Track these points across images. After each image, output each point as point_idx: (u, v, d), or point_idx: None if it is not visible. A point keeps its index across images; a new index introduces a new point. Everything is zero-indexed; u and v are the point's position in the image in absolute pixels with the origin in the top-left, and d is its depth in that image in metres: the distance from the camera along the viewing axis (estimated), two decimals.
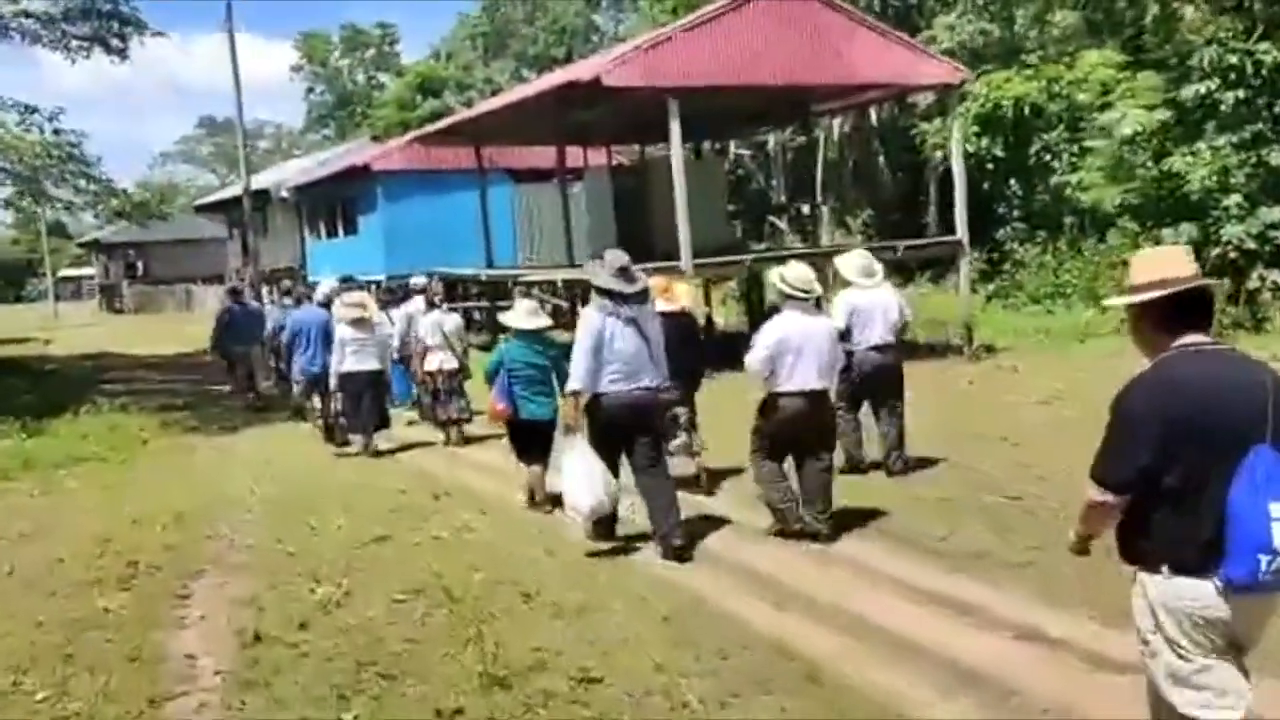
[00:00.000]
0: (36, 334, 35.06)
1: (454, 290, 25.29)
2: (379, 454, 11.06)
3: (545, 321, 8.30)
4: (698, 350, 8.52)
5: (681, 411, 8.05)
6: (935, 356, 17.13)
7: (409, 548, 7.20)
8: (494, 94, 33.70)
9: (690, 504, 7.39)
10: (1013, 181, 25.23)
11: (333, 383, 11.08)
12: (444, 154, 26.09)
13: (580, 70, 16.98)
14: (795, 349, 6.47)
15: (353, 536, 7.52)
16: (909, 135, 28.29)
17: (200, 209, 46.32)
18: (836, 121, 27.21)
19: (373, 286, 26.56)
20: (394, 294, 15.72)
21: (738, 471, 8.20)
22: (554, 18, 54.52)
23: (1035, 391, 12.53)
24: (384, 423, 11.43)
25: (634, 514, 7.05)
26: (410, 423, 12.73)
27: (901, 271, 22.40)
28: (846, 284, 8.45)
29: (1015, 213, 25.28)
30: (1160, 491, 2.96)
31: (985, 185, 25.98)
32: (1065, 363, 15.20)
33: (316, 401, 12.33)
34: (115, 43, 21.64)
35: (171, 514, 8.59)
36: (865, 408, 8.60)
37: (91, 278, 65.32)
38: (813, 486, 6.75)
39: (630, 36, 29.11)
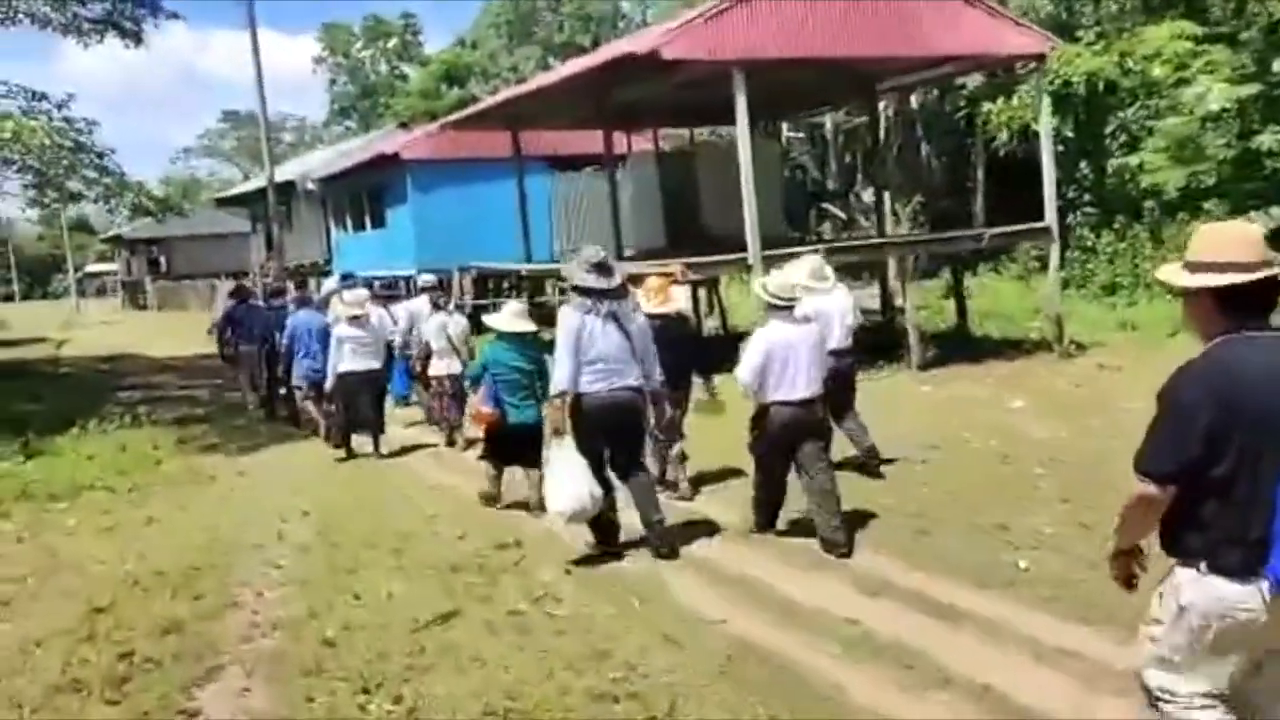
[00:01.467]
0: (54, 333, 33.60)
1: (486, 285, 23.69)
2: (383, 456, 10.77)
3: (530, 325, 8.02)
4: (692, 353, 8.22)
5: (675, 414, 7.82)
6: (1022, 354, 15.34)
7: (481, 631, 5.50)
8: (519, 82, 31.88)
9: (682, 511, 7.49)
10: (1083, 164, 23.42)
11: (329, 382, 10.72)
12: (477, 141, 24.38)
13: (634, 43, 15.24)
14: (783, 359, 6.39)
15: (408, 610, 5.83)
16: (953, 119, 26.57)
17: (222, 202, 44.81)
18: (882, 105, 25.33)
19: (373, 284, 25.07)
20: (392, 290, 15.63)
21: (727, 475, 8.27)
22: (580, 4, 52.78)
23: (1151, 395, 10.72)
24: (381, 424, 11.10)
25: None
26: (411, 424, 12.45)
27: (953, 261, 20.89)
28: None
29: (1086, 196, 23.43)
30: (1208, 483, 2.82)
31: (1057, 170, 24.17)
32: (1168, 360, 13.36)
33: (310, 406, 11.91)
34: (129, 25, 19.99)
35: (182, 569, 6.95)
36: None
37: (115, 274, 64.04)
38: (820, 495, 6.57)
39: (657, 23, 27.37)
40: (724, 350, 9.42)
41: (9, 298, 79.77)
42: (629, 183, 20.85)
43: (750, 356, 6.48)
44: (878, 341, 18.04)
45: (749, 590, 5.97)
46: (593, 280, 6.40)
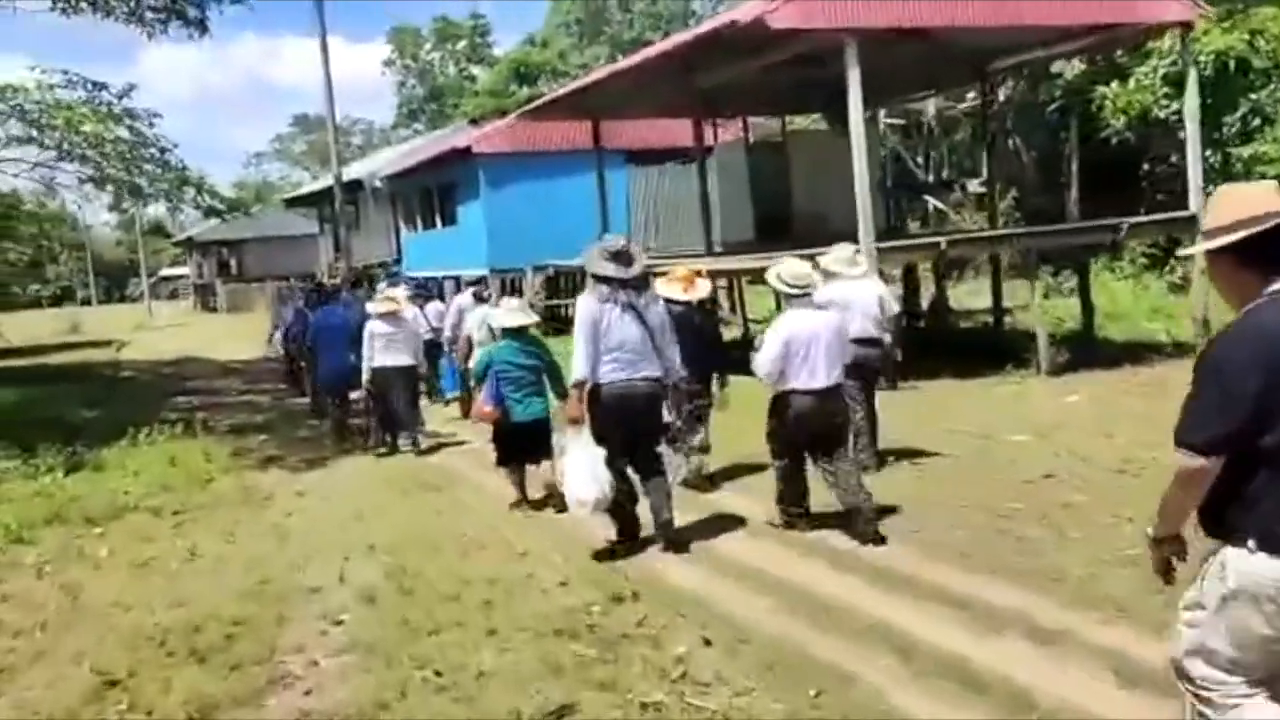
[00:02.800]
0: (125, 336, 32.96)
1: (558, 285, 22.35)
2: (421, 453, 10.68)
3: (530, 318, 8.07)
4: (712, 344, 8.13)
5: (699, 405, 7.72)
6: (1158, 357, 13.41)
7: None
8: None
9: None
10: (1208, 152, 21.35)
11: (365, 377, 10.54)
12: (551, 133, 23.09)
13: (737, 13, 13.69)
14: (803, 347, 6.31)
15: (506, 696, 4.36)
16: (1044, 111, 24.66)
17: (290, 203, 44.10)
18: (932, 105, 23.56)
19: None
20: (426, 289, 15.12)
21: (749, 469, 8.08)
22: (650, 1, 51.50)
23: None
24: (418, 419, 11.08)
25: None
26: (452, 419, 12.33)
27: (1048, 261, 19.16)
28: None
29: (1211, 187, 21.34)
30: (1256, 454, 2.60)
31: (1172, 157, 22.14)
32: None
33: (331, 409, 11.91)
34: (193, 13, 18.91)
35: (223, 623, 5.56)
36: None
37: (188, 277, 64.05)
38: (847, 484, 6.46)
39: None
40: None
41: (86, 301, 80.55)
42: (716, 175, 19.32)
43: (770, 345, 6.36)
44: (992, 344, 16.36)
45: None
46: (611, 269, 6.21)
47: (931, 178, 22.68)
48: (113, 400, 15.91)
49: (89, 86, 17.35)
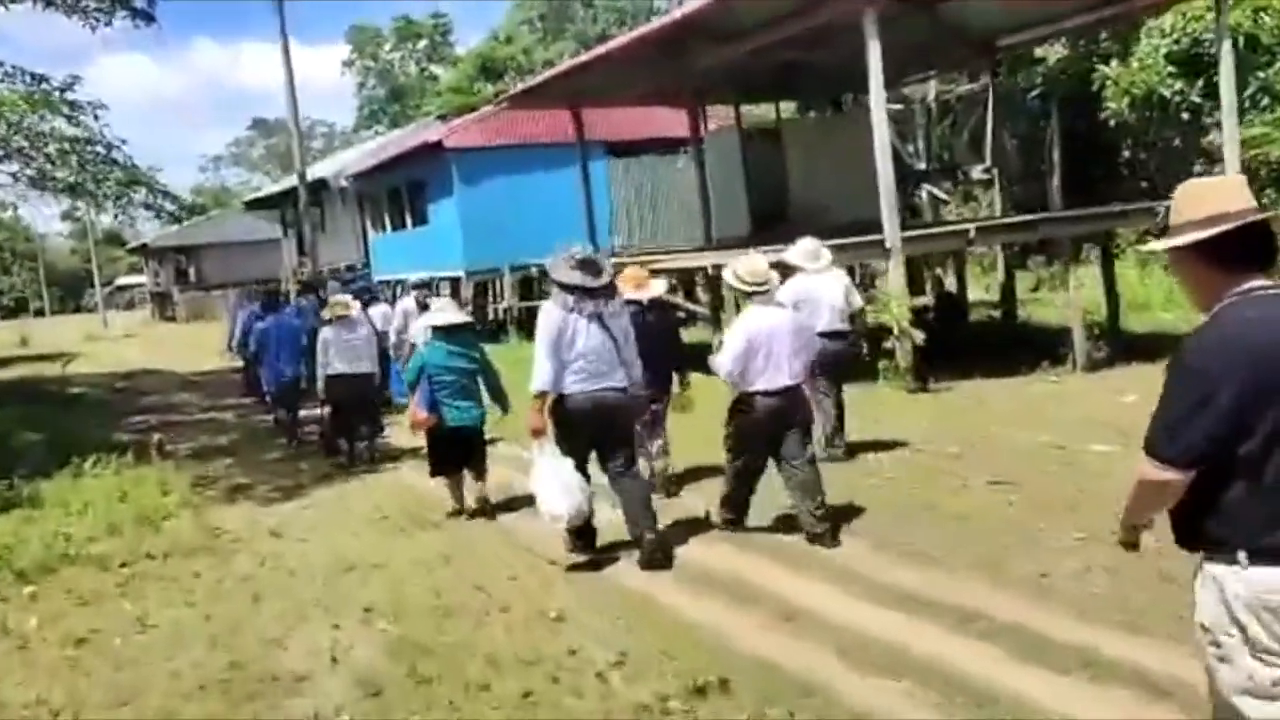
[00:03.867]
0: (76, 348, 31.08)
1: (531, 288, 20.97)
2: (375, 461, 10.19)
3: (462, 316, 7.96)
4: (674, 344, 7.97)
5: (657, 409, 7.50)
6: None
7: None
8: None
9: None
10: (1215, 134, 20.35)
11: (319, 387, 10.09)
12: (527, 126, 21.69)
13: None
14: (764, 346, 6.11)
15: None
16: (1023, 98, 23.63)
17: (251, 205, 42.26)
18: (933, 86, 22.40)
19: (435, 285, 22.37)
20: (371, 292, 14.95)
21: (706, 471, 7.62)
22: None
23: None
24: (377, 428, 10.63)
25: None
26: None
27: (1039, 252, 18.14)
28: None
29: (1217, 170, 20.36)
30: (1234, 463, 2.39)
31: (1176, 140, 21.17)
32: None
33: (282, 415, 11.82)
34: (138, 2, 17.31)
35: None
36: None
37: (144, 285, 61.77)
38: (801, 484, 6.24)
39: None
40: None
41: (40, 312, 77.95)
42: (709, 163, 18.07)
43: (731, 344, 6.18)
44: (1014, 339, 15.20)
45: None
46: (578, 277, 5.97)
47: (924, 165, 21.48)
48: (58, 421, 14.28)
49: (29, 79, 15.73)
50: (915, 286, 17.82)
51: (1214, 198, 2.54)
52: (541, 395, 5.97)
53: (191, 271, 49.40)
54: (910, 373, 11.45)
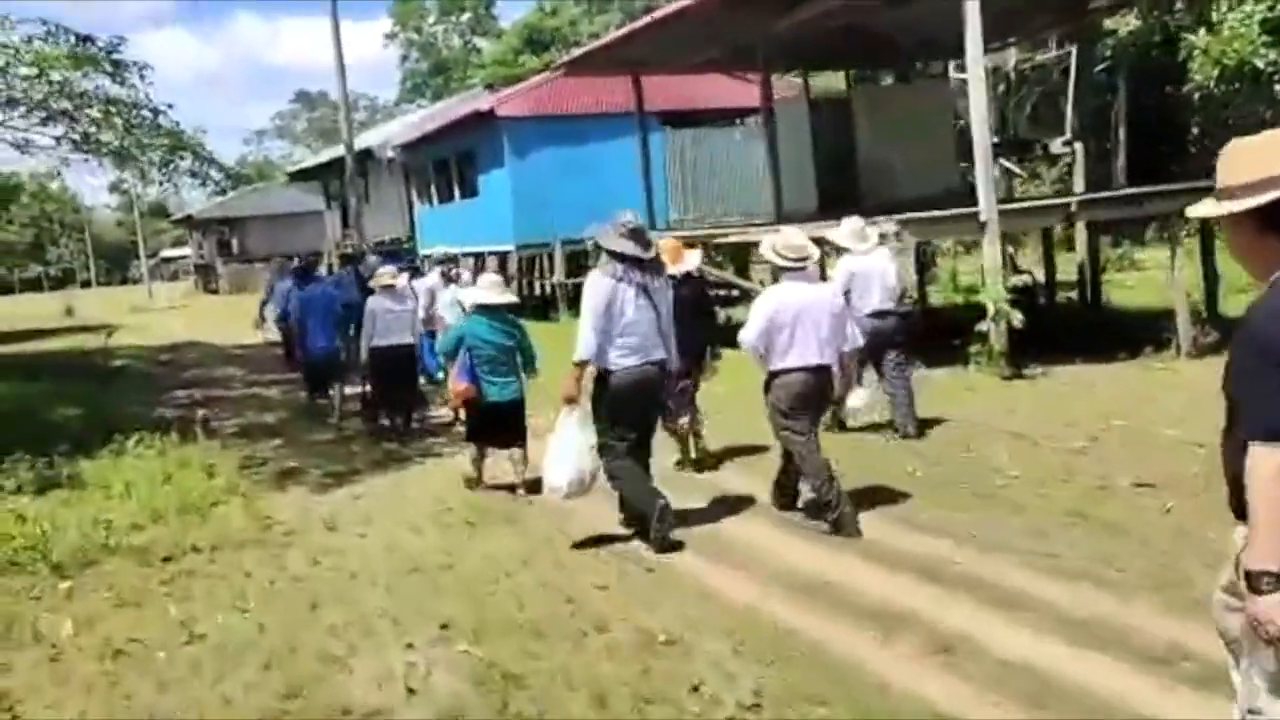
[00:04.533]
0: (121, 319, 30.73)
1: (579, 262, 20.20)
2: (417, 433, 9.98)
3: (509, 297, 7.71)
4: (707, 318, 7.79)
5: (688, 384, 7.22)
6: None
7: None
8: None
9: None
10: None
11: (363, 359, 9.80)
12: (580, 95, 20.87)
13: None
14: (791, 322, 5.84)
15: None
16: (1093, 73, 22.42)
17: (294, 177, 41.75)
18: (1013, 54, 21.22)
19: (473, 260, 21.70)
20: (415, 266, 13.83)
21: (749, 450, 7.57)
22: None
23: None
24: (419, 401, 10.36)
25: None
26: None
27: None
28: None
29: None
30: None
31: (1268, 113, 19.94)
32: None
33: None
34: None
35: None
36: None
37: (189, 258, 61.65)
38: (819, 472, 5.94)
39: None
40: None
41: (87, 283, 78.35)
42: (777, 134, 17.15)
43: (754, 319, 5.98)
44: (1086, 321, 14.19)
45: None
46: (630, 247, 5.79)
47: (996, 138, 20.39)
48: (99, 396, 13.73)
49: (73, 40, 15.07)
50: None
51: (1267, 160, 2.31)
52: (582, 364, 5.76)
53: (235, 243, 49.09)
54: (1004, 357, 10.58)
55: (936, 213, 11.43)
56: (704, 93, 21.46)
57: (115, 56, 15.10)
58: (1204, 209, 2.47)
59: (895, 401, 8.13)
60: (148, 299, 45.14)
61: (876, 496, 6.54)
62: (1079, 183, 17.30)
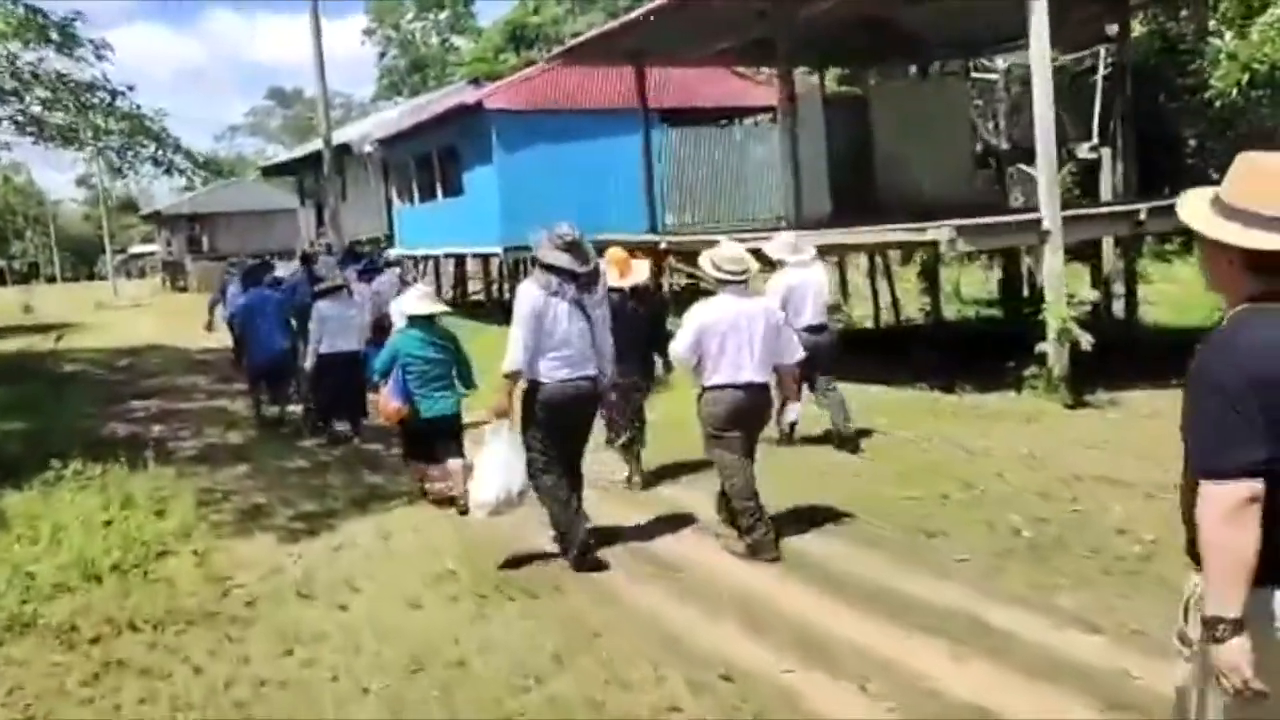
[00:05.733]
0: (81, 317, 29.01)
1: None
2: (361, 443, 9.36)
3: (439, 306, 7.41)
4: (657, 331, 7.32)
5: (638, 398, 7.26)
6: None
7: None
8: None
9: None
10: None
11: (308, 363, 9.51)
12: (575, 89, 19.49)
13: None
14: (722, 336, 5.63)
15: None
16: (1089, 81, 21.33)
17: (268, 172, 40.10)
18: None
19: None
20: (374, 264, 12.80)
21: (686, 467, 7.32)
22: None
23: None
24: (362, 411, 9.60)
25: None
26: None
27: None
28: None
29: None
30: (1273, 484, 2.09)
31: None
32: None
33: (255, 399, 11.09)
34: None
35: None
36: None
37: (157, 253, 59.53)
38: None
39: None
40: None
41: (52, 279, 75.97)
42: (784, 136, 15.90)
43: (686, 329, 5.73)
44: (1130, 340, 12.94)
45: None
46: (565, 260, 5.54)
47: (1006, 144, 19.26)
48: (47, 406, 12.21)
49: (23, 11, 13.52)
50: (1012, 281, 15.76)
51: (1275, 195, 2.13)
52: (512, 376, 5.57)
53: (204, 240, 47.12)
54: (1065, 383, 9.34)
55: (993, 219, 10.18)
56: (703, 91, 20.18)
57: (70, 31, 13.59)
58: (1199, 218, 2.25)
59: (831, 409, 8.12)
60: (112, 296, 43.18)
61: (990, 572, 5.23)
62: (1105, 190, 16.17)
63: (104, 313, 32.73)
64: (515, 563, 5.78)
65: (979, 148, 18.60)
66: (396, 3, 61.76)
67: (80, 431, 10.56)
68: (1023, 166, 17.81)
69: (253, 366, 10.91)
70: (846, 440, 8.08)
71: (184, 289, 45.23)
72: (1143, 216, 10.13)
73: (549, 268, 5.56)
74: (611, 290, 6.53)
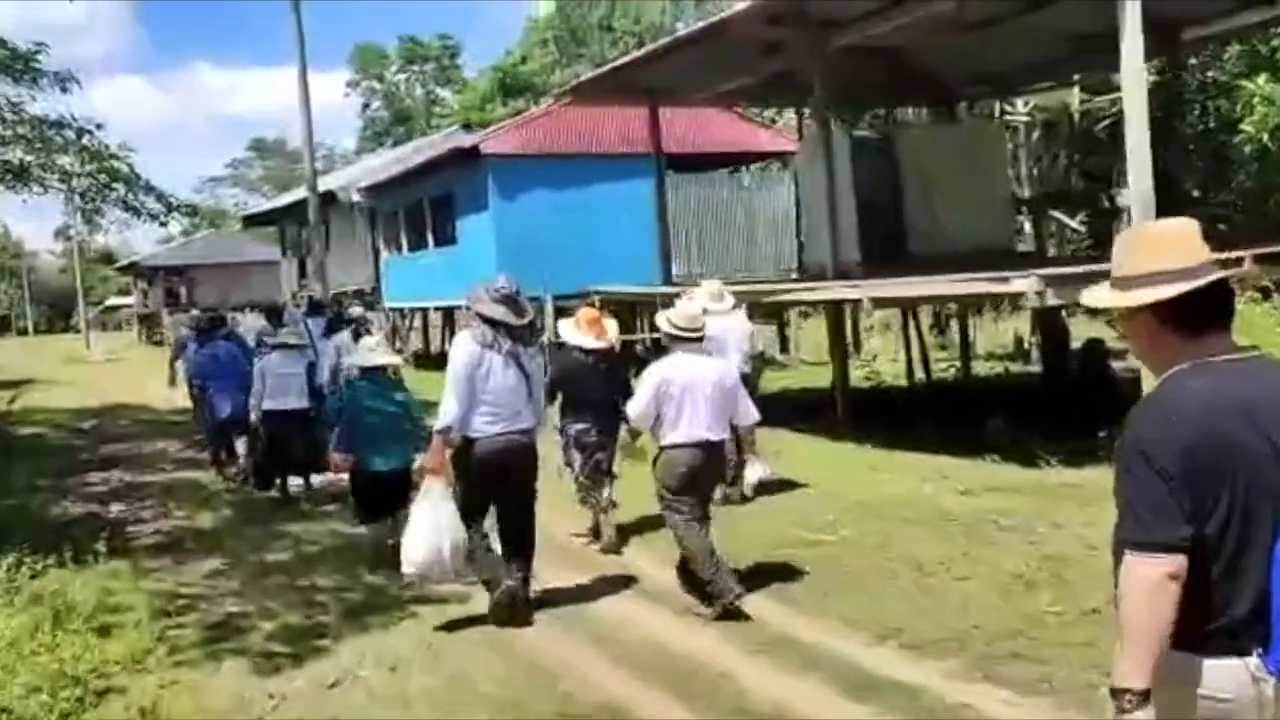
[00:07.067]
0: (49, 372, 27.33)
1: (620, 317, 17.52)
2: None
3: (391, 359, 7.49)
4: (625, 390, 6.75)
5: (603, 458, 7.07)
6: None
7: None
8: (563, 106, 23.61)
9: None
10: None
11: (253, 417, 9.13)
12: (578, 133, 18.32)
13: None
14: (679, 395, 5.59)
15: None
16: (1094, 132, 20.48)
17: (249, 221, 38.67)
18: (1077, 94, 19.08)
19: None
20: (340, 318, 12.27)
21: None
22: (635, 18, 47.04)
23: None
24: (315, 467, 8.95)
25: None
26: None
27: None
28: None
29: None
30: (1203, 548, 2.05)
31: None
32: None
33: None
34: None
35: None
36: None
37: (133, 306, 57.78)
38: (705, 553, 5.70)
39: None
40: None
41: (24, 331, 73.97)
42: (805, 180, 14.71)
43: (641, 390, 5.73)
44: None
45: None
46: (500, 313, 5.47)
47: (1027, 190, 18.15)
48: None
49: None
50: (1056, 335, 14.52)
51: (1160, 252, 2.17)
52: (444, 432, 5.46)
53: (183, 292, 45.51)
54: None
55: (1083, 268, 8.91)
56: (707, 135, 19.02)
57: (33, 65, 12.25)
58: (1104, 299, 2.29)
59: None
60: (85, 350, 41.42)
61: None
62: None
63: (74, 367, 30.99)
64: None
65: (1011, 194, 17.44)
66: (381, 53, 61.06)
67: (25, 513, 9.03)
68: (1055, 213, 16.67)
69: (211, 423, 10.44)
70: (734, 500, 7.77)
71: (159, 342, 43.52)
72: (1248, 265, 8.86)
73: (485, 320, 5.47)
74: (589, 352, 6.88)
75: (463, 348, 5.52)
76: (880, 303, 10.77)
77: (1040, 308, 8.96)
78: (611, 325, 7.35)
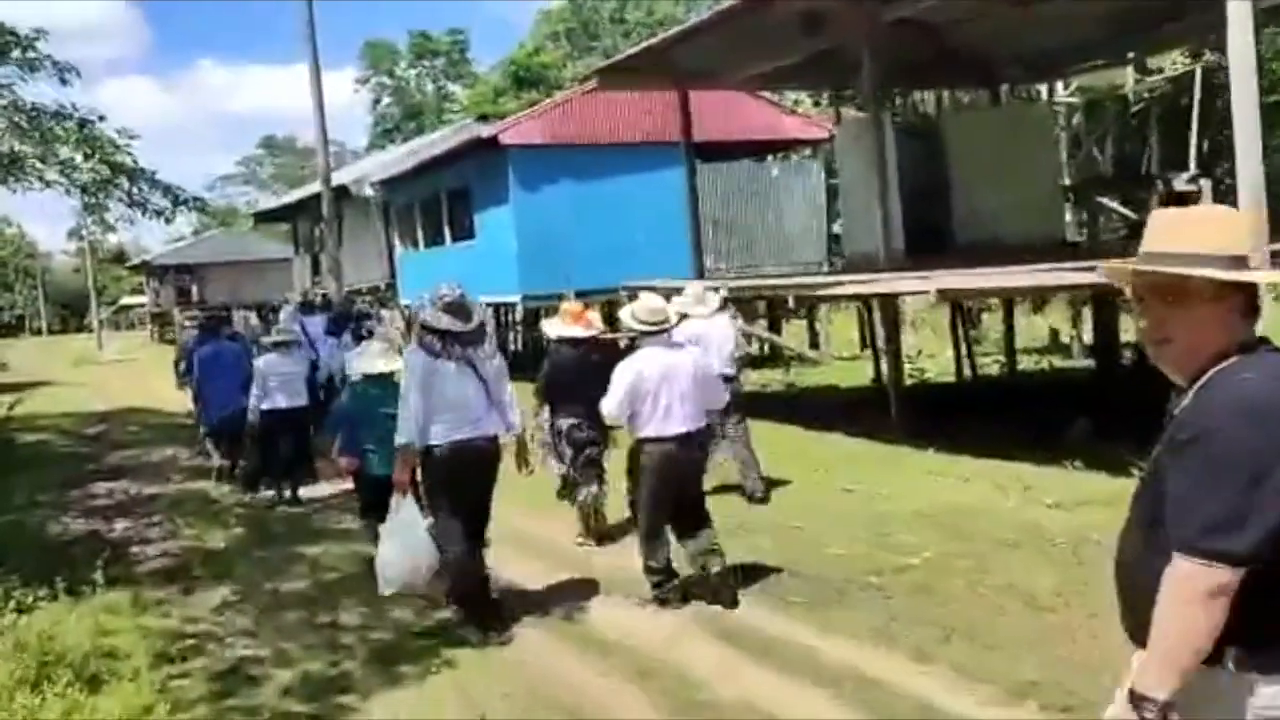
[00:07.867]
0: (56, 376, 26.63)
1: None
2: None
3: (394, 365, 6.78)
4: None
5: (594, 453, 6.99)
6: None
7: None
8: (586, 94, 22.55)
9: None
10: None
11: (250, 418, 9.01)
12: (602, 122, 17.49)
13: None
14: (654, 389, 5.54)
15: None
16: (1127, 119, 19.45)
17: (261, 218, 37.96)
18: (1131, 74, 18.11)
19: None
20: (347, 315, 12.36)
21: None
22: (649, 9, 46.15)
23: None
24: (308, 471, 9.29)
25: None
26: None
27: None
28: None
29: None
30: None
31: None
32: None
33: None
34: None
35: None
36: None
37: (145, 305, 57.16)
38: (704, 553, 5.63)
39: None
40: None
41: (39, 331, 73.53)
42: (845, 167, 13.87)
43: (615, 387, 5.62)
44: None
45: None
46: (446, 321, 5.41)
47: (1071, 173, 17.18)
48: None
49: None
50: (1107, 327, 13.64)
51: (1240, 232, 2.07)
52: (404, 449, 5.39)
53: (195, 291, 44.85)
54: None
55: (997, 269, 8.08)
56: (735, 123, 18.11)
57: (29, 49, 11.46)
58: (1208, 272, 1.95)
59: (743, 465, 7.97)
60: (97, 350, 40.77)
61: None
62: None
63: (84, 368, 30.32)
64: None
65: (1062, 178, 16.47)
66: (391, 49, 60.20)
67: (21, 532, 8.27)
68: (1105, 200, 15.75)
69: (209, 423, 10.29)
70: (754, 498, 7.90)
71: (172, 341, 42.88)
72: None
73: (431, 330, 5.40)
74: (566, 341, 6.89)
75: (413, 361, 5.46)
76: (946, 294, 9.89)
77: (1110, 298, 8.13)
78: (594, 316, 7.33)
